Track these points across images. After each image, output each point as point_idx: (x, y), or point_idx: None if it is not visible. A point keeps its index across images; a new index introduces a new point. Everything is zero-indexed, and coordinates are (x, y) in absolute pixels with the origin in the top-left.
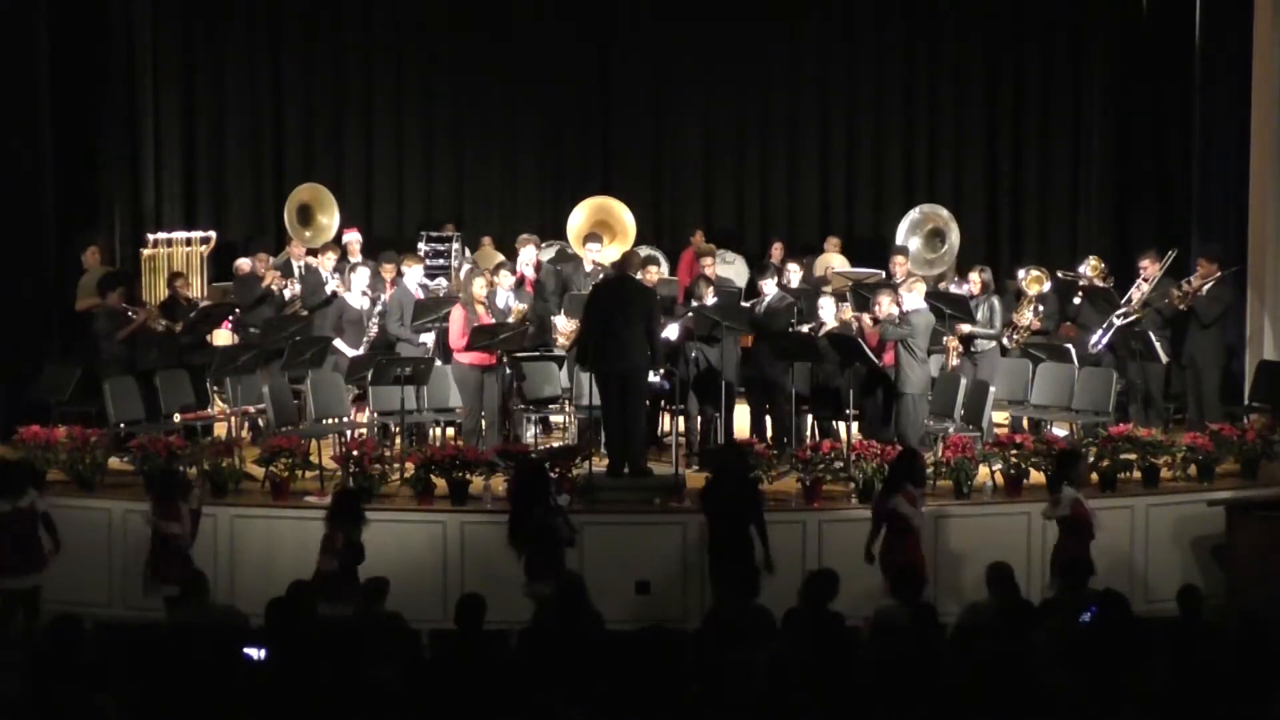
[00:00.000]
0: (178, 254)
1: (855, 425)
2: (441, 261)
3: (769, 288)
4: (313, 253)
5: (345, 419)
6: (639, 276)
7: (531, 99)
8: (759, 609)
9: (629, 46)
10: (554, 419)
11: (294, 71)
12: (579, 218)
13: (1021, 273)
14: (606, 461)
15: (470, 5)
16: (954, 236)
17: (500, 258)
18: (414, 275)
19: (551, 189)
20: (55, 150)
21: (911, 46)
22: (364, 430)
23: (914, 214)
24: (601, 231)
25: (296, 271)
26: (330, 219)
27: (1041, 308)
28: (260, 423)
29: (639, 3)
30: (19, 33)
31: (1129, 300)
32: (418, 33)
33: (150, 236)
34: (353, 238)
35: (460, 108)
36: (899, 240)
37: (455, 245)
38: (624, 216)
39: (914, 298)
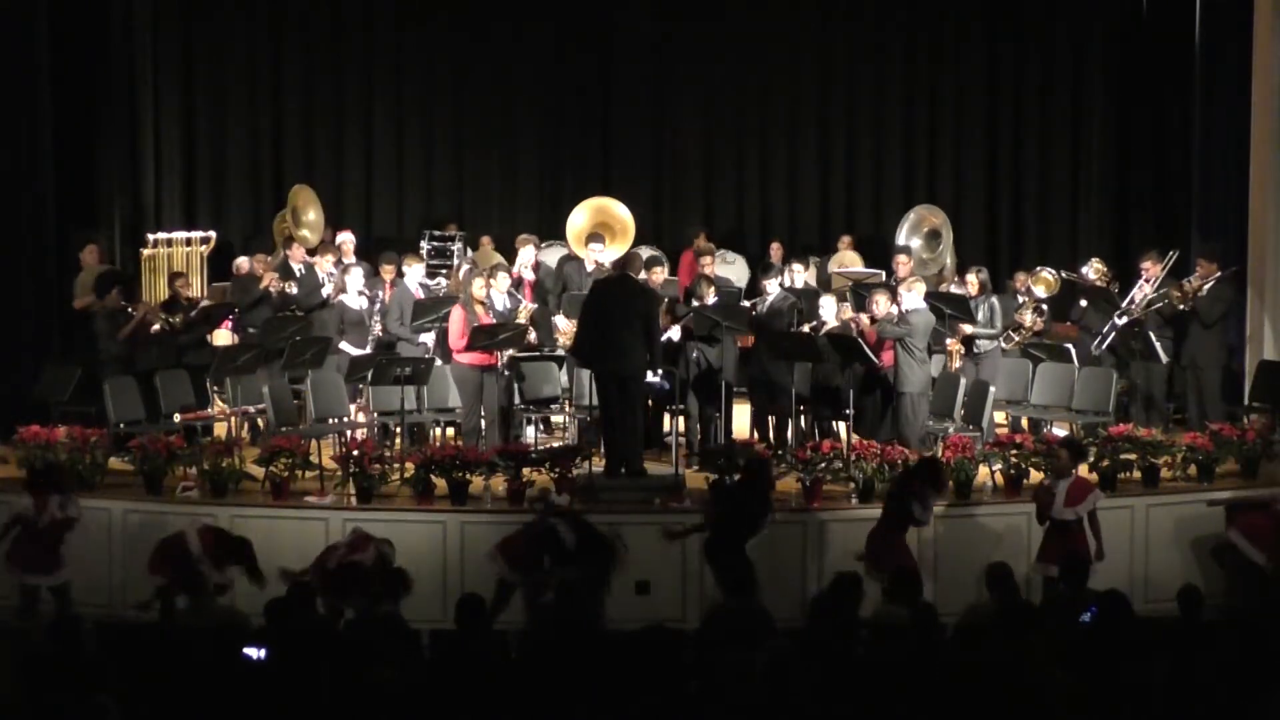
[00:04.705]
0: (178, 254)
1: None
2: (444, 260)
3: (772, 287)
4: (311, 254)
5: (345, 419)
6: (643, 277)
7: (532, 99)
8: (759, 609)
9: (629, 46)
10: (554, 419)
11: (294, 71)
12: (579, 219)
13: (1027, 274)
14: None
15: (471, 5)
16: (948, 236)
17: (499, 259)
18: (415, 274)
19: (551, 189)
20: (55, 150)
21: (912, 47)
22: (364, 430)
23: (911, 215)
24: (602, 232)
25: (297, 273)
26: (317, 215)
27: (1045, 309)
28: (260, 423)
29: (639, 2)
30: (19, 32)
31: (1131, 301)
32: (418, 32)
33: (150, 236)
34: (345, 238)
35: (460, 107)
36: (900, 241)
37: (458, 245)
38: (624, 216)
39: (913, 297)
